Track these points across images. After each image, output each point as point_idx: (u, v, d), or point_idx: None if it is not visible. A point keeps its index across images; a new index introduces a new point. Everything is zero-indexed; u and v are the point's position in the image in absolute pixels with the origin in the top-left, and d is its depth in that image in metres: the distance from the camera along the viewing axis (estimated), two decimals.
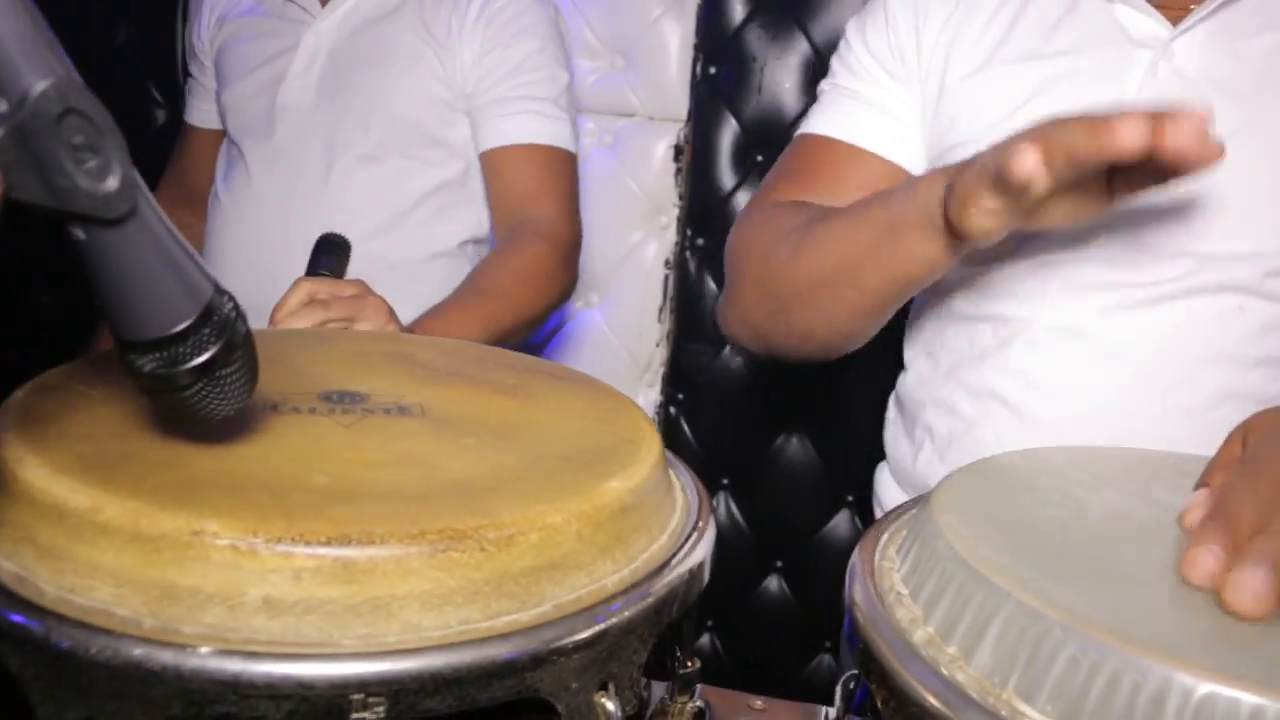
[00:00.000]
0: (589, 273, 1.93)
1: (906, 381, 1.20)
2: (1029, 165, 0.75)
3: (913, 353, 1.19)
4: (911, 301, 1.19)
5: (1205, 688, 0.45)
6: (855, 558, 0.64)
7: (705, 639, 1.97)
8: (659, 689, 0.70)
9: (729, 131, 1.82)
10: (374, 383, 0.74)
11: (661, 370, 1.94)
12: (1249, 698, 0.45)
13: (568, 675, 0.54)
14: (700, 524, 0.66)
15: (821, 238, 1.01)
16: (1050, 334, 1.02)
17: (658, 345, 1.94)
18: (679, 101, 1.86)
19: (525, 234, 1.49)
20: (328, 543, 0.50)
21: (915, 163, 1.14)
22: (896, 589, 0.60)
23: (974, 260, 1.06)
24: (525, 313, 1.43)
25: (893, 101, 1.14)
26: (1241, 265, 0.97)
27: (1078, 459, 0.74)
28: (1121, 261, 1.00)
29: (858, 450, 1.71)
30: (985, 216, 0.83)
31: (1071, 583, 0.54)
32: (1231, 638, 0.50)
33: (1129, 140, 0.73)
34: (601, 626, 0.55)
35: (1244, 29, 1.00)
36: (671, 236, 1.89)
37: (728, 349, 1.91)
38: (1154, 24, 1.02)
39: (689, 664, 0.77)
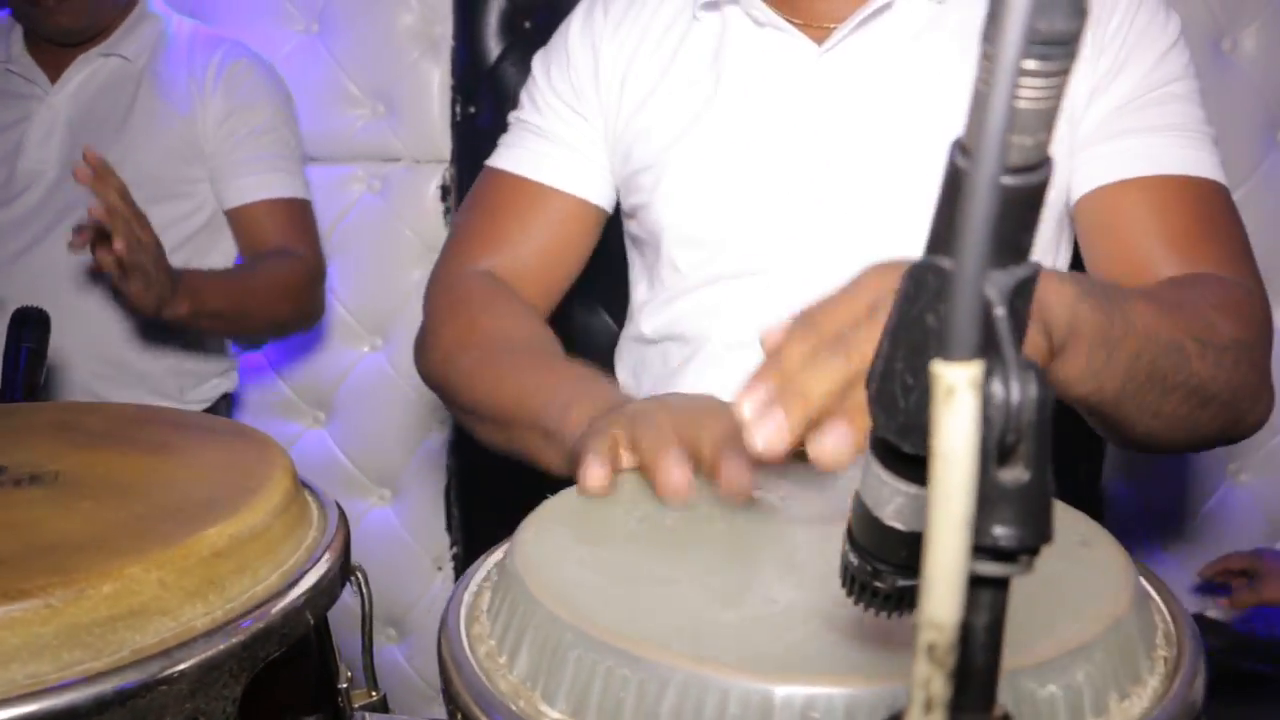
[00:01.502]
0: (371, 317, 1.99)
1: None
2: (594, 477, 0.76)
3: (623, 374, 1.27)
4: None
5: (682, 675, 0.52)
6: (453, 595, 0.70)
7: None
8: None
9: None
10: (21, 455, 0.79)
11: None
12: (725, 683, 0.51)
13: (149, 714, 0.59)
14: (313, 566, 0.71)
15: (495, 378, 1.06)
16: (727, 350, 1.11)
17: None
18: (442, 143, 1.93)
19: (281, 259, 1.67)
20: None
21: (602, 195, 1.22)
22: (481, 612, 0.66)
23: (658, 288, 1.15)
24: (275, 316, 1.60)
25: (577, 138, 1.21)
26: None
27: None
28: (792, 279, 1.08)
29: None
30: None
31: (604, 592, 0.61)
32: (746, 630, 0.57)
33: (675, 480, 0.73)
34: (181, 667, 0.60)
35: (881, 47, 1.10)
36: None
37: None
38: (801, 43, 1.11)
39: (372, 694, 0.83)
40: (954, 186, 0.36)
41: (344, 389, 2.02)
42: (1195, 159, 1.04)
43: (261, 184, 1.71)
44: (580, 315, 1.95)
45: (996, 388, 0.33)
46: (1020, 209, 0.34)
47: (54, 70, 1.71)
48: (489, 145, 1.89)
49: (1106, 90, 1.06)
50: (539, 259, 1.21)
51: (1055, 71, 0.32)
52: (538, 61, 1.27)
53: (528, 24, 1.87)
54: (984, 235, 0.29)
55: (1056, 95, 0.33)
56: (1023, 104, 0.33)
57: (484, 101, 1.90)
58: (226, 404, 1.89)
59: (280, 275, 1.63)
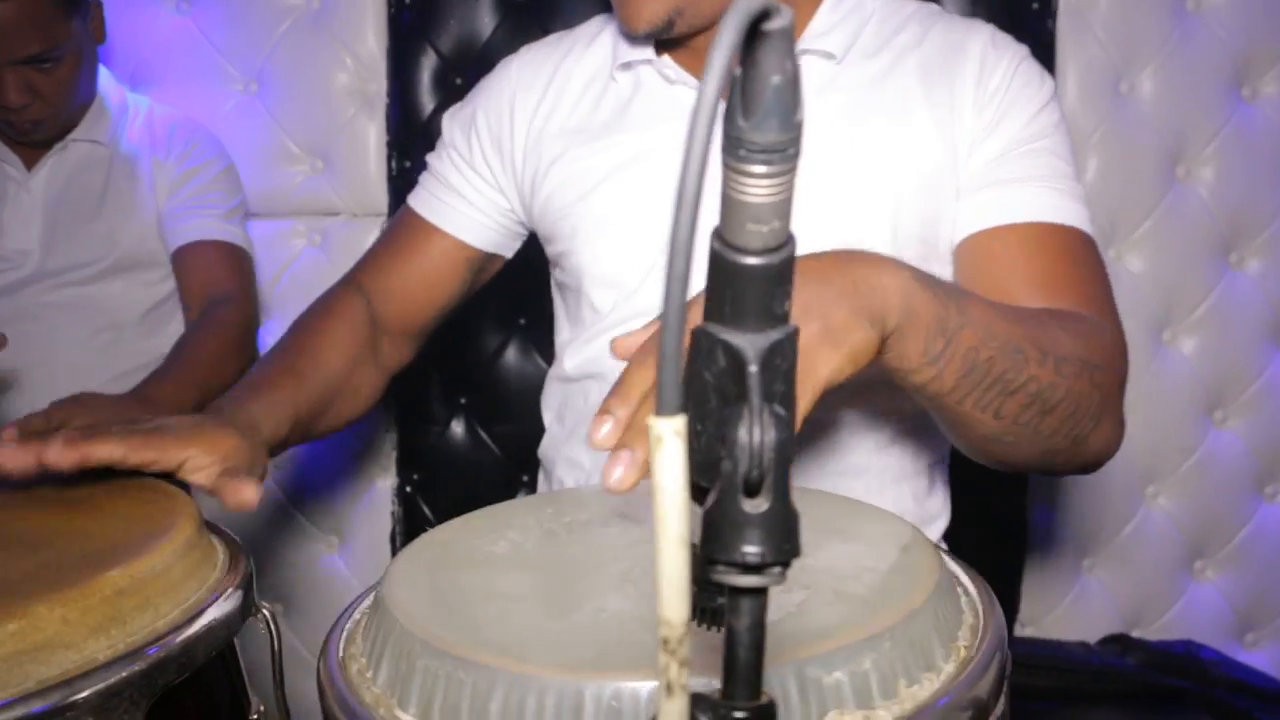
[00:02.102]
0: None
1: (544, 443, 1.36)
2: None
3: (549, 417, 1.35)
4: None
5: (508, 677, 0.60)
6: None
7: None
8: None
9: None
10: None
11: (394, 454, 2.07)
12: (543, 681, 0.59)
13: None
14: (213, 603, 0.79)
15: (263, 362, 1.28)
16: None
17: (387, 431, 2.07)
18: (380, 196, 2.01)
19: (219, 312, 1.73)
20: None
21: (483, 240, 1.34)
22: (357, 634, 0.74)
23: (578, 328, 1.24)
24: (229, 379, 1.63)
25: (467, 187, 1.33)
26: None
27: (557, 500, 0.90)
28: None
29: None
30: None
31: (454, 609, 0.69)
32: (570, 636, 0.65)
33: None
34: (82, 695, 0.67)
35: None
36: None
37: (453, 424, 2.05)
38: None
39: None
40: (713, 265, 0.44)
41: None
42: (1063, 208, 1.12)
43: (202, 227, 1.79)
44: (516, 360, 2.04)
45: (743, 433, 0.41)
46: (768, 282, 0.42)
47: (29, 156, 1.81)
48: None
49: (984, 142, 1.15)
50: (405, 286, 1.35)
51: (780, 172, 0.40)
52: (448, 117, 1.38)
53: (459, 80, 1.96)
54: (675, 325, 0.37)
55: (787, 189, 0.41)
56: (759, 196, 0.41)
57: (419, 155, 1.97)
58: None
59: (222, 347, 1.68)
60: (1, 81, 1.65)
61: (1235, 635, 2.13)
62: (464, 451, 2.06)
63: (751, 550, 0.41)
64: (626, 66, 1.25)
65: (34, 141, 1.79)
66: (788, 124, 0.40)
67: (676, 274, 0.38)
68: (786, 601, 0.67)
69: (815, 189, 1.14)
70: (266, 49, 2.00)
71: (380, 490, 2.09)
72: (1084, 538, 2.08)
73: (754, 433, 0.41)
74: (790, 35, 0.39)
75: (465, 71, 1.96)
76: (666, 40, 1.22)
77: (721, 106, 0.38)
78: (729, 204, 0.41)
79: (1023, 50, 1.20)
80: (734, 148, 0.40)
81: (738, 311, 0.42)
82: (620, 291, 1.22)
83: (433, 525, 2.04)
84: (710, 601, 0.55)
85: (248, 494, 0.98)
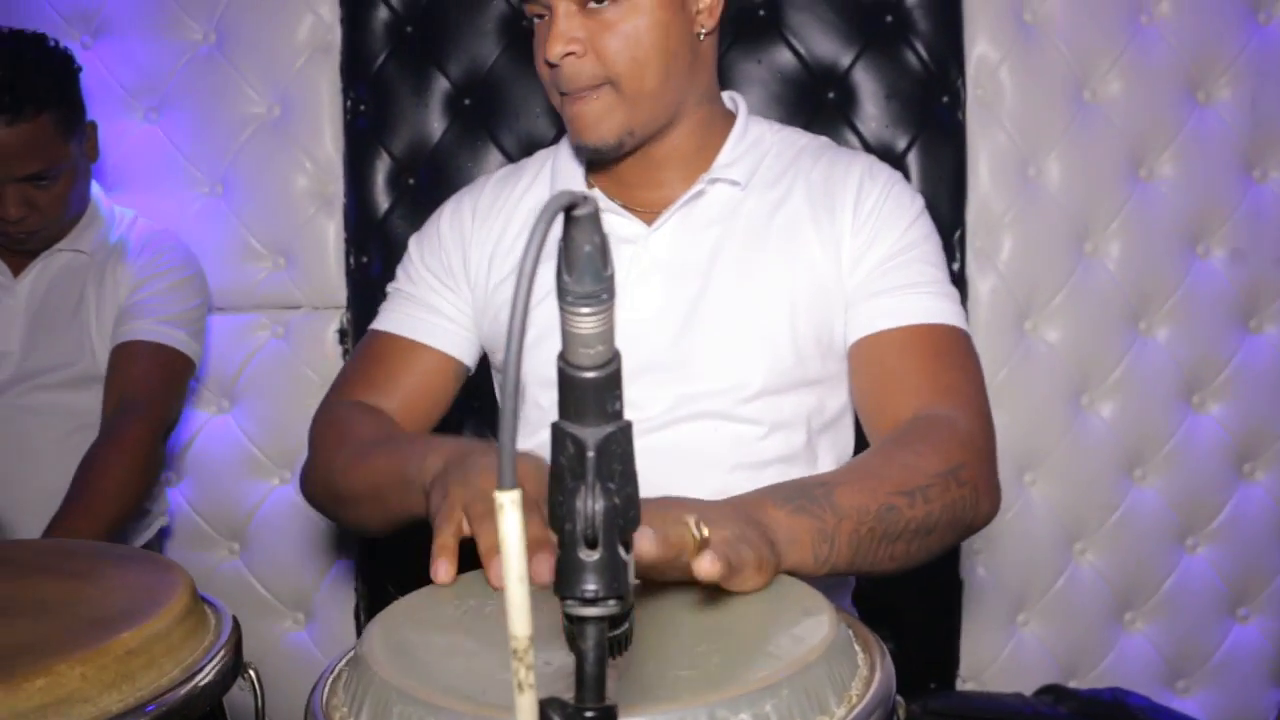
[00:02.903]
0: (281, 452, 2.18)
1: None
2: (441, 575, 1.03)
3: None
4: None
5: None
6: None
7: None
8: None
9: None
10: None
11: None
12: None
13: None
14: (208, 662, 0.91)
15: (365, 461, 1.29)
16: None
17: None
18: (339, 290, 2.16)
19: (123, 425, 1.81)
20: None
21: (464, 352, 1.48)
22: (339, 687, 0.86)
23: (523, 425, 1.38)
24: (136, 501, 1.77)
25: (442, 303, 1.48)
26: (713, 399, 1.31)
27: None
28: (631, 410, 1.31)
29: None
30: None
31: (423, 663, 0.81)
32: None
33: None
34: None
35: (697, 224, 1.39)
36: None
37: None
38: (634, 225, 1.40)
39: None
40: (561, 379, 0.60)
41: (256, 521, 2.20)
42: (935, 309, 1.33)
43: (141, 329, 1.89)
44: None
45: (579, 503, 0.57)
46: (601, 390, 0.59)
47: (17, 263, 1.94)
48: (381, 291, 2.11)
49: (864, 257, 1.35)
50: (402, 403, 1.45)
51: (599, 311, 0.58)
52: (413, 242, 1.54)
53: (411, 181, 2.12)
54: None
55: (606, 322, 0.58)
56: (586, 329, 0.57)
57: (375, 252, 2.13)
58: (159, 538, 2.08)
59: (123, 462, 1.75)
60: (2, 196, 1.79)
61: (1167, 683, 2.27)
62: (425, 528, 2.16)
63: (589, 588, 0.58)
64: None
65: (24, 250, 1.92)
66: (599, 278, 0.58)
67: (509, 394, 0.53)
68: (700, 654, 0.83)
69: (725, 298, 1.35)
70: (230, 154, 2.16)
71: (344, 567, 2.20)
72: (1017, 594, 2.22)
73: (588, 502, 0.58)
74: (596, 218, 0.57)
75: (417, 173, 2.12)
76: (598, 168, 1.42)
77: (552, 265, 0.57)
78: (566, 335, 0.59)
79: (895, 176, 1.42)
80: (563, 295, 0.58)
81: (580, 412, 0.59)
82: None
83: (395, 599, 2.15)
84: (612, 632, 0.68)
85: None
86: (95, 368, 1.91)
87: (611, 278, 0.57)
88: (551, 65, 1.31)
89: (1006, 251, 2.14)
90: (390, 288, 1.53)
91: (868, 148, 2.08)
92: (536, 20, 1.35)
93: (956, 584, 2.18)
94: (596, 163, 1.43)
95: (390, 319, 1.49)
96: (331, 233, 2.16)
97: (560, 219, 0.55)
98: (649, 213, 1.40)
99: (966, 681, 2.24)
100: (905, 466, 1.15)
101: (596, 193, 1.41)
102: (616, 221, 1.40)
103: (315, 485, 1.42)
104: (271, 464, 2.20)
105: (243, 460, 2.19)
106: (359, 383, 1.46)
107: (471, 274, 1.46)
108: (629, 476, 0.60)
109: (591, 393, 0.58)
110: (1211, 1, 2.12)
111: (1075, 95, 2.12)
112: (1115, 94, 2.12)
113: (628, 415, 1.17)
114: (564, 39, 1.28)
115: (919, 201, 1.41)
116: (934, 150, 2.10)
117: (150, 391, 1.85)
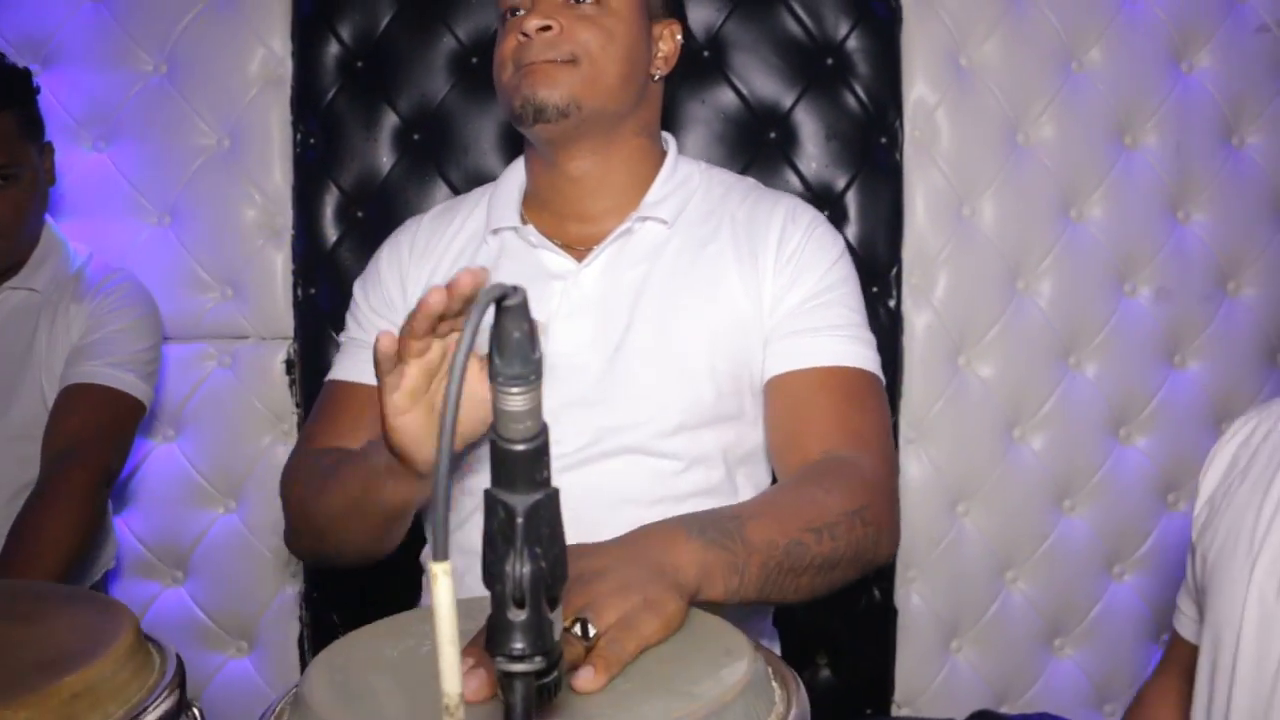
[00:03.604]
0: (227, 481, 2.20)
1: (425, 551, 1.52)
2: (384, 345, 1.13)
3: (428, 529, 1.51)
4: None
5: None
6: None
7: None
8: None
9: (331, 344, 2.13)
10: None
11: (301, 562, 2.20)
12: None
13: None
14: (153, 702, 0.93)
15: (335, 481, 1.33)
16: None
17: None
18: (286, 321, 2.19)
19: (64, 471, 1.77)
20: None
21: None
22: None
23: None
24: (78, 554, 1.74)
25: None
26: (632, 433, 1.34)
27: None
28: (558, 445, 1.34)
29: None
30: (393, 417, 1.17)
31: (357, 701, 0.85)
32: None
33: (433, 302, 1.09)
34: None
35: (625, 262, 1.43)
36: (294, 439, 2.17)
37: None
38: (565, 261, 1.44)
39: None
40: (493, 450, 0.64)
41: (200, 549, 2.21)
42: (850, 352, 1.39)
43: (93, 371, 1.86)
44: None
45: (508, 566, 0.60)
46: (529, 461, 0.64)
47: None
48: (328, 322, 2.16)
49: (784, 297, 1.40)
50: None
51: (527, 390, 0.63)
52: (356, 286, 1.56)
53: (360, 214, 2.15)
54: (443, 496, 0.55)
55: (534, 400, 0.63)
56: (516, 407, 0.62)
57: (322, 283, 2.16)
58: (105, 576, 2.06)
59: (64, 511, 1.72)
60: None
61: (1095, 706, 2.34)
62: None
63: (517, 646, 0.63)
64: (496, 232, 1.47)
65: None
66: (527, 361, 0.63)
67: (440, 479, 0.57)
68: (624, 693, 0.86)
69: (649, 336, 1.39)
70: (180, 184, 2.18)
71: (288, 598, 2.22)
72: (950, 621, 2.28)
73: (516, 566, 0.63)
74: (524, 307, 0.62)
75: (365, 206, 2.15)
76: (532, 198, 1.48)
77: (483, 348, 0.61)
78: (497, 411, 0.63)
79: (818, 219, 1.47)
80: (494, 376, 0.63)
81: (510, 480, 0.63)
82: None
83: (339, 628, 2.19)
84: (540, 680, 0.73)
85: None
86: (45, 416, 1.87)
87: (539, 361, 0.62)
88: (523, 39, 1.37)
89: (941, 288, 2.20)
90: (342, 337, 1.55)
91: (808, 186, 2.14)
92: (509, 14, 1.42)
93: (891, 612, 2.24)
94: (534, 190, 1.48)
95: (344, 367, 1.51)
96: (280, 264, 2.18)
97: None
98: (579, 249, 1.45)
99: (901, 707, 2.29)
100: (814, 504, 1.20)
101: (529, 228, 1.45)
102: (548, 257, 1.44)
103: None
104: (216, 493, 2.22)
105: (188, 489, 2.20)
106: (321, 433, 1.47)
107: (411, 307, 1.48)
108: (555, 538, 0.64)
109: (521, 464, 0.63)
110: (1138, 51, 2.21)
111: (1009, 138, 2.20)
112: (1047, 138, 2.20)
113: (551, 449, 1.22)
114: (545, 16, 1.37)
115: (840, 244, 1.47)
116: (872, 189, 2.17)
117: (93, 438, 1.81)
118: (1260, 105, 2.24)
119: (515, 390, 0.62)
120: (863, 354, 1.39)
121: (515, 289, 0.60)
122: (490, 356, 0.62)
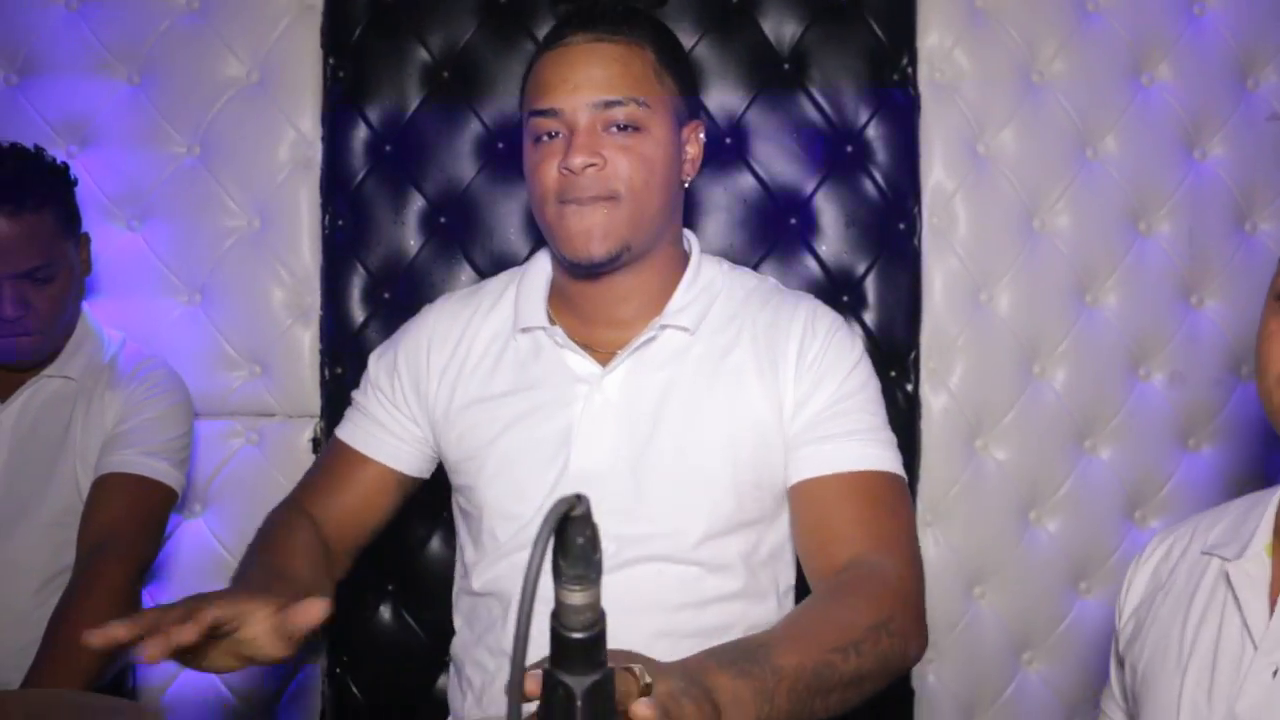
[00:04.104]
0: None
1: (454, 644, 1.56)
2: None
3: (459, 621, 1.55)
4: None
5: None
6: None
7: None
8: None
9: None
10: None
11: (324, 637, 2.22)
12: None
13: None
14: None
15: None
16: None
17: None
18: (313, 400, 2.22)
19: (100, 567, 1.77)
20: None
21: (409, 465, 1.57)
22: None
23: (481, 552, 1.44)
24: (111, 653, 1.64)
25: (392, 421, 1.57)
26: (658, 542, 1.37)
27: None
28: None
29: None
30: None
31: None
32: None
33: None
34: None
35: (648, 368, 1.46)
36: None
37: (381, 609, 2.21)
38: (590, 365, 1.47)
39: None
40: (554, 638, 0.69)
41: None
42: (871, 455, 1.42)
43: (127, 460, 1.87)
44: (440, 550, 2.22)
45: None
46: (588, 646, 0.69)
47: (4, 389, 1.93)
48: None
49: (806, 404, 1.44)
50: (344, 509, 1.56)
51: (587, 588, 0.68)
52: (372, 359, 1.63)
53: (387, 295, 2.19)
54: (517, 681, 0.58)
55: (594, 596, 0.68)
56: (577, 602, 0.67)
57: (349, 363, 2.20)
58: (132, 666, 2.05)
59: (100, 608, 1.69)
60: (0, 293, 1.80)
61: None
62: (391, 635, 2.22)
63: None
64: (526, 330, 1.51)
65: (14, 367, 1.91)
66: (589, 563, 0.69)
67: (517, 664, 0.60)
68: None
69: (671, 444, 1.43)
70: (210, 264, 2.23)
71: (310, 673, 2.24)
72: (968, 703, 2.29)
73: None
74: (588, 516, 0.67)
75: (393, 287, 2.20)
76: (560, 300, 1.52)
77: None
78: (560, 604, 0.70)
79: (837, 324, 1.51)
80: (558, 575, 0.69)
81: (570, 662, 0.69)
82: (517, 524, 1.46)
83: (361, 707, 2.20)
84: None
85: (316, 609, 1.11)
86: (79, 504, 1.88)
87: (599, 561, 0.67)
88: (567, 174, 1.40)
89: (958, 373, 2.23)
90: (353, 394, 1.63)
91: (827, 272, 2.18)
92: (546, 137, 1.44)
93: (908, 694, 2.25)
94: (561, 288, 1.52)
95: (346, 427, 1.60)
96: (307, 343, 2.22)
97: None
98: (604, 353, 1.48)
99: None
100: (839, 623, 1.23)
101: (557, 329, 1.49)
102: (574, 359, 1.48)
103: None
104: None
105: (214, 565, 2.23)
106: (310, 486, 1.59)
107: (429, 402, 1.55)
108: (610, 714, 0.68)
109: (579, 650, 0.68)
110: (1152, 138, 2.25)
111: (1025, 225, 2.23)
112: (1063, 224, 2.24)
113: None
114: (589, 150, 1.40)
115: (859, 347, 1.51)
116: (891, 275, 2.20)
117: (128, 530, 1.82)
118: (1272, 192, 2.28)
119: (576, 588, 0.68)
120: (885, 456, 1.42)
121: (580, 498, 0.65)
122: (554, 557, 0.67)
